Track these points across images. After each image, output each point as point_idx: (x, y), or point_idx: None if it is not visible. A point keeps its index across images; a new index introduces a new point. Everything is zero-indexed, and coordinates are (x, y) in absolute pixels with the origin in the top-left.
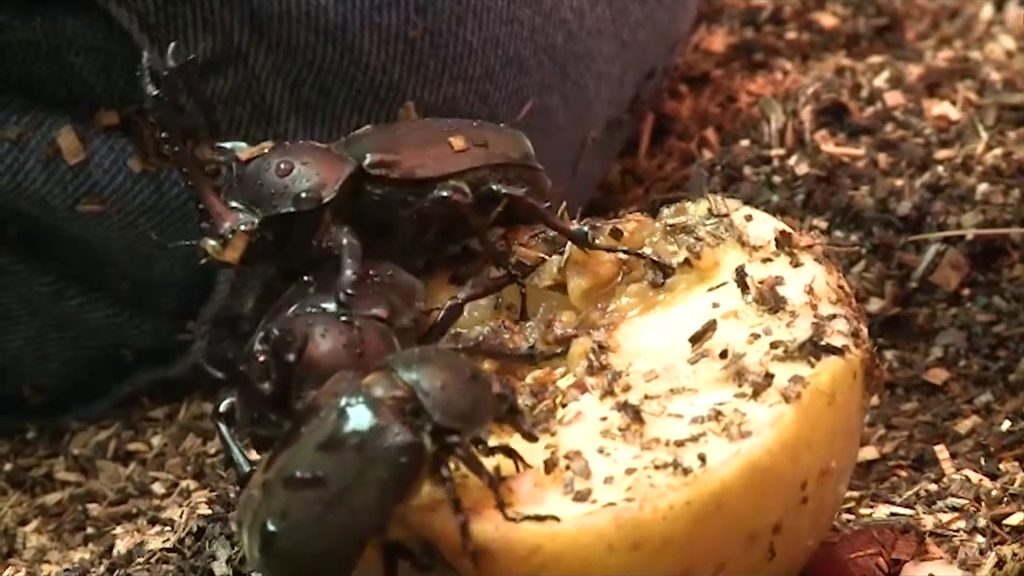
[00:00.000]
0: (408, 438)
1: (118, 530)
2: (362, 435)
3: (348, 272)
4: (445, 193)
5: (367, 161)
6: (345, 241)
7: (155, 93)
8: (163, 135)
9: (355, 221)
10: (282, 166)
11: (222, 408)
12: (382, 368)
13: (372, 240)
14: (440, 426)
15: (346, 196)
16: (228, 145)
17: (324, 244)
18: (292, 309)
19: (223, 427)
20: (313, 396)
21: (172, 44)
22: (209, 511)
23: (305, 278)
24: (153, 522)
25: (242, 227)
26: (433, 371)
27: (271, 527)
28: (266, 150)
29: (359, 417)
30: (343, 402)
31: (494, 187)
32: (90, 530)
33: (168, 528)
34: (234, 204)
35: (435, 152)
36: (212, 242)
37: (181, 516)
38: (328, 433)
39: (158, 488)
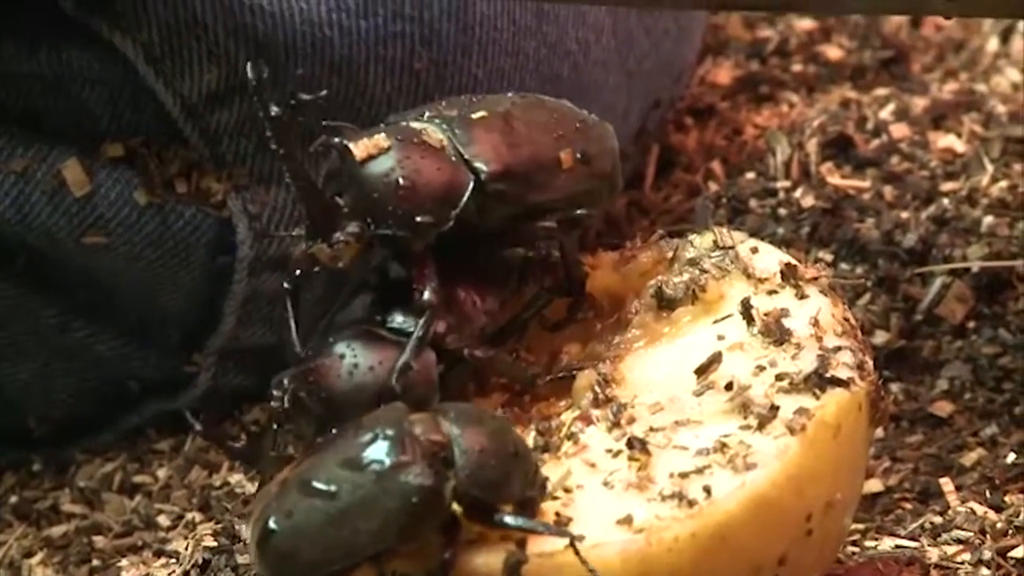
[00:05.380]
0: (428, 482)
1: (123, 562)
2: (385, 463)
3: (408, 356)
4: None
5: (485, 175)
6: (425, 318)
7: (276, 113)
8: (279, 150)
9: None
10: (402, 182)
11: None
12: (433, 410)
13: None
14: (461, 488)
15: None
16: (341, 130)
17: (414, 280)
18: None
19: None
20: (360, 420)
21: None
22: (215, 543)
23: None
24: (159, 554)
25: (354, 236)
26: (478, 433)
27: (272, 524)
28: (382, 147)
29: (390, 446)
30: (381, 429)
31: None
32: (96, 562)
33: (173, 560)
34: (342, 203)
35: (545, 170)
36: (326, 249)
37: (186, 548)
38: (355, 452)
39: (163, 520)
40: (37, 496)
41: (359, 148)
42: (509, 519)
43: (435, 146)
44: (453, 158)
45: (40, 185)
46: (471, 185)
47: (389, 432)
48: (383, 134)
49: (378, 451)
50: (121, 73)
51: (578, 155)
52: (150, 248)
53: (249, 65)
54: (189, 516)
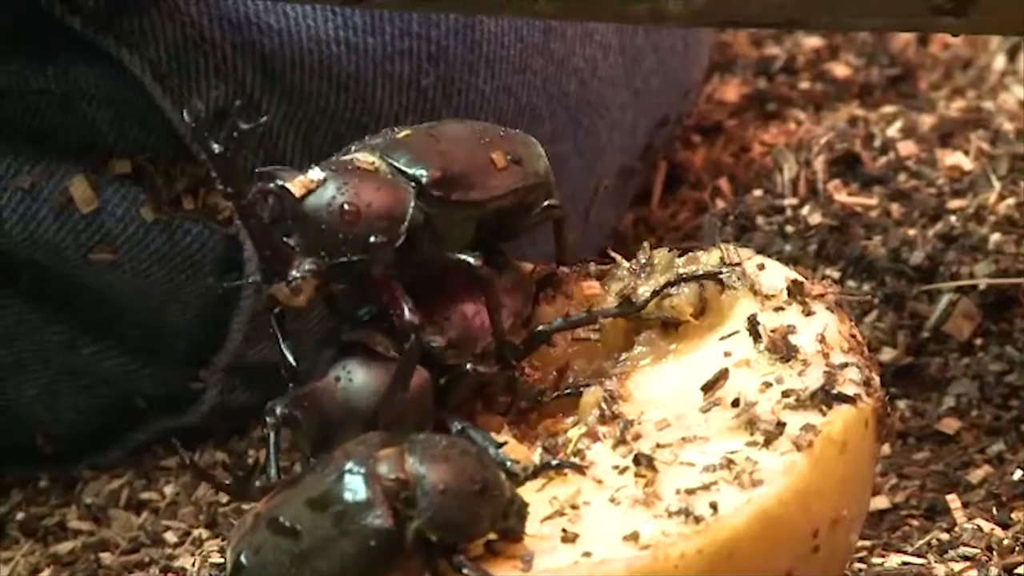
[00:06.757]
0: (386, 524)
1: None
2: (346, 505)
3: (398, 386)
4: (474, 265)
5: (425, 180)
6: (411, 343)
7: (219, 151)
8: (227, 188)
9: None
10: (347, 208)
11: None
12: (402, 445)
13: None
14: (423, 528)
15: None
16: (275, 174)
17: (383, 301)
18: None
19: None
20: (334, 452)
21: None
22: (221, 560)
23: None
24: (166, 571)
25: (310, 272)
26: (443, 471)
27: (243, 559)
28: (316, 181)
29: (351, 487)
30: (347, 466)
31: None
32: None
33: None
34: (293, 244)
35: (481, 170)
36: (284, 288)
37: (193, 565)
38: (319, 491)
39: (170, 537)
40: (44, 513)
41: (296, 186)
42: (466, 570)
43: (369, 169)
44: (390, 175)
45: (47, 202)
46: (413, 196)
47: (353, 471)
48: (316, 169)
49: (340, 491)
50: (129, 90)
51: (509, 156)
52: (157, 265)
53: (185, 111)
54: (196, 533)
